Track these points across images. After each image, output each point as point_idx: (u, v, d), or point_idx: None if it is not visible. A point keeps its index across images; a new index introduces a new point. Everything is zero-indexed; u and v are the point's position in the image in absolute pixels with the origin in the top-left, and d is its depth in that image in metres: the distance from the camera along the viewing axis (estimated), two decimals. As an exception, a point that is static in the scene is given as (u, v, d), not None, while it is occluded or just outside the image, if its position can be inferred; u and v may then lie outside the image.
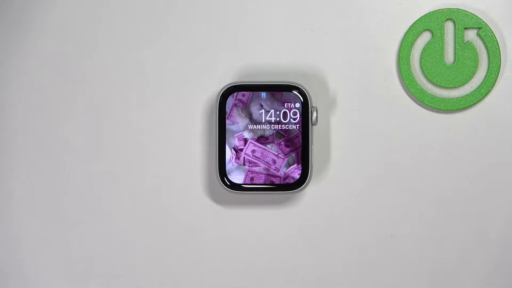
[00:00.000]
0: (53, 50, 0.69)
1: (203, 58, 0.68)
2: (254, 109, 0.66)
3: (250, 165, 0.66)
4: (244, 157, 0.66)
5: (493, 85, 0.67)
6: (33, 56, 0.69)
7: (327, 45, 0.68)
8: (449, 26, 0.67)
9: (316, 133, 0.68)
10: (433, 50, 0.67)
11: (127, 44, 0.69)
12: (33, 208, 0.69)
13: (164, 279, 0.69)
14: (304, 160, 0.65)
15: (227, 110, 0.66)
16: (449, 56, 0.68)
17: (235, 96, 0.66)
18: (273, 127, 0.66)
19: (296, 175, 0.65)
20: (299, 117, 0.65)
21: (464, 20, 0.67)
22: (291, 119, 0.65)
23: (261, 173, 0.66)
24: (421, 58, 0.67)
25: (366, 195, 0.68)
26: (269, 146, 0.66)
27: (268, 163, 0.66)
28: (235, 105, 0.66)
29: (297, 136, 0.65)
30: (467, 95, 0.67)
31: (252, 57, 0.68)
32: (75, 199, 0.69)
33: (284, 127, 0.65)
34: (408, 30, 0.67)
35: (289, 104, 0.65)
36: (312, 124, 0.65)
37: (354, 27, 0.68)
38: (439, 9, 0.67)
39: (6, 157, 0.69)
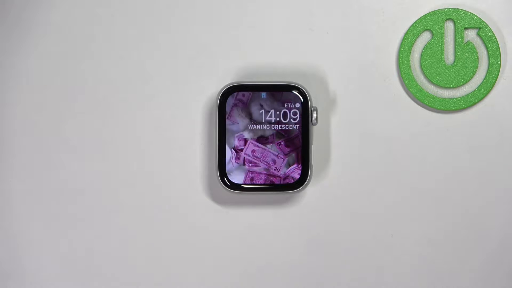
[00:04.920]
0: (53, 50, 0.69)
1: (203, 58, 0.68)
2: (254, 109, 0.66)
3: (250, 165, 0.66)
4: (244, 157, 0.66)
5: (493, 85, 0.67)
6: (33, 56, 0.69)
7: (327, 45, 0.68)
8: (449, 26, 0.67)
9: (316, 133, 0.68)
10: (433, 50, 0.67)
11: (127, 44, 0.69)
12: (33, 208, 0.69)
13: (164, 279, 0.69)
14: (304, 160, 0.65)
15: (227, 110, 0.66)
16: (449, 56, 0.68)
17: (235, 96, 0.66)
18: (273, 127, 0.66)
19: (296, 175, 0.65)
20: (299, 117, 0.65)
21: (464, 20, 0.67)
22: (291, 119, 0.65)
23: (261, 173, 0.66)
24: (421, 58, 0.67)
25: (366, 195, 0.68)
26: (269, 146, 0.66)
27: (268, 163, 0.66)
28: (235, 105, 0.66)
29: (297, 136, 0.65)
30: (467, 95, 0.67)
31: (252, 57, 0.68)
32: (75, 199, 0.69)
33: (284, 127, 0.65)
34: (408, 30, 0.67)
35: (289, 104, 0.65)
36: (312, 124, 0.65)
37: (354, 27, 0.68)
38: (439, 9, 0.67)
39: (6, 157, 0.69)
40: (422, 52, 0.67)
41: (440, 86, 0.68)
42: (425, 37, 0.68)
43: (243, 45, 0.68)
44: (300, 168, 0.65)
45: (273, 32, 0.68)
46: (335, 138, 0.68)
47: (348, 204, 0.68)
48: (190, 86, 0.69)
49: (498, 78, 0.67)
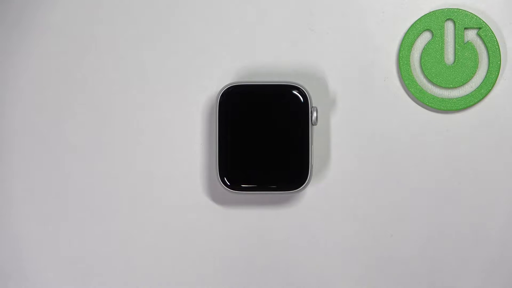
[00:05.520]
0: (53, 50, 0.69)
1: (203, 58, 0.68)
2: (254, 109, 0.66)
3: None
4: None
5: (493, 85, 0.67)
6: (33, 56, 0.69)
7: (327, 45, 0.68)
8: (449, 26, 0.67)
9: (316, 133, 0.68)
10: (433, 50, 0.67)
11: (127, 44, 0.69)
12: (33, 208, 0.69)
13: (164, 279, 0.69)
14: (304, 160, 0.65)
15: (227, 110, 0.65)
16: (449, 56, 0.68)
17: (235, 96, 0.65)
18: (273, 127, 0.65)
19: (296, 175, 0.65)
20: (299, 117, 0.65)
21: (464, 20, 0.67)
22: (291, 119, 0.65)
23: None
24: (421, 58, 0.67)
25: (366, 195, 0.68)
26: (269, 146, 0.66)
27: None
28: (235, 104, 0.66)
29: (297, 136, 0.65)
30: (467, 95, 0.67)
31: (252, 57, 0.68)
32: (75, 199, 0.69)
33: (284, 127, 0.65)
34: (408, 30, 0.67)
35: (289, 104, 0.65)
36: (312, 124, 0.65)
37: (354, 27, 0.68)
38: (439, 9, 0.67)
39: (6, 157, 0.69)
40: (422, 52, 0.67)
41: (440, 86, 0.68)
42: (425, 37, 0.68)
43: (243, 45, 0.68)
44: (300, 168, 0.65)
45: (273, 32, 0.68)
46: (335, 138, 0.68)
47: (348, 204, 0.68)
48: (190, 86, 0.69)
49: (498, 78, 0.67)
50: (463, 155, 0.67)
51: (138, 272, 0.69)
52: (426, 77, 0.67)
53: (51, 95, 0.69)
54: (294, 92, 0.65)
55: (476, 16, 0.67)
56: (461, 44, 0.67)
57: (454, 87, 0.67)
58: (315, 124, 0.65)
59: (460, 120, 0.68)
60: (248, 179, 0.66)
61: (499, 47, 0.67)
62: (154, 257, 0.69)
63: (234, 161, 0.65)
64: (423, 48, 0.67)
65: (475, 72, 0.67)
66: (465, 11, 0.67)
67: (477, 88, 0.67)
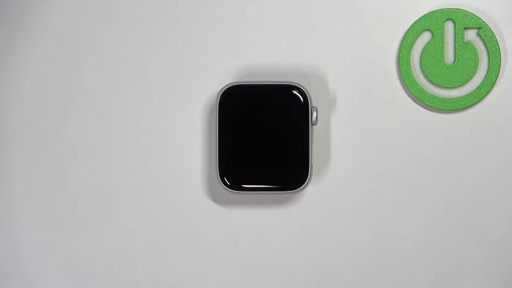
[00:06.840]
0: (53, 50, 0.69)
1: (203, 58, 0.68)
2: (254, 109, 0.66)
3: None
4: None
5: (493, 85, 0.67)
6: (33, 56, 0.69)
7: (327, 45, 0.68)
8: (449, 26, 0.67)
9: (316, 133, 0.68)
10: (433, 50, 0.67)
11: (127, 44, 0.69)
12: (33, 208, 0.69)
13: (164, 279, 0.69)
14: (304, 160, 0.65)
15: (227, 110, 0.65)
16: (449, 56, 0.68)
17: (235, 96, 0.65)
18: (273, 127, 0.65)
19: (296, 175, 0.65)
20: (299, 117, 0.65)
21: (464, 20, 0.67)
22: (291, 119, 0.65)
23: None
24: (421, 58, 0.67)
25: (366, 195, 0.68)
26: (269, 146, 0.66)
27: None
28: (235, 104, 0.66)
29: (297, 136, 0.65)
30: (467, 95, 0.67)
31: (252, 57, 0.68)
32: (75, 199, 0.69)
33: (284, 127, 0.65)
34: (408, 30, 0.67)
35: (289, 104, 0.65)
36: (312, 124, 0.65)
37: (354, 27, 0.68)
38: (439, 9, 0.67)
39: (6, 157, 0.69)
40: (422, 52, 0.67)
41: (440, 86, 0.68)
42: (425, 37, 0.68)
43: (243, 45, 0.68)
44: (300, 168, 0.65)
45: (273, 32, 0.68)
46: (335, 138, 0.68)
47: (348, 204, 0.68)
48: (190, 86, 0.69)
49: (498, 78, 0.67)
50: (463, 155, 0.67)
51: (138, 272, 0.69)
52: (426, 77, 0.68)
53: (51, 95, 0.69)
54: (294, 92, 0.65)
55: (476, 16, 0.67)
56: (461, 44, 0.67)
57: (454, 87, 0.67)
58: (315, 124, 0.66)
59: (460, 120, 0.68)
60: (248, 179, 0.66)
61: (499, 47, 0.67)
62: (154, 257, 0.69)
63: (234, 161, 0.65)
64: (423, 48, 0.67)
65: (475, 72, 0.67)
66: (465, 11, 0.67)
67: (477, 88, 0.67)
